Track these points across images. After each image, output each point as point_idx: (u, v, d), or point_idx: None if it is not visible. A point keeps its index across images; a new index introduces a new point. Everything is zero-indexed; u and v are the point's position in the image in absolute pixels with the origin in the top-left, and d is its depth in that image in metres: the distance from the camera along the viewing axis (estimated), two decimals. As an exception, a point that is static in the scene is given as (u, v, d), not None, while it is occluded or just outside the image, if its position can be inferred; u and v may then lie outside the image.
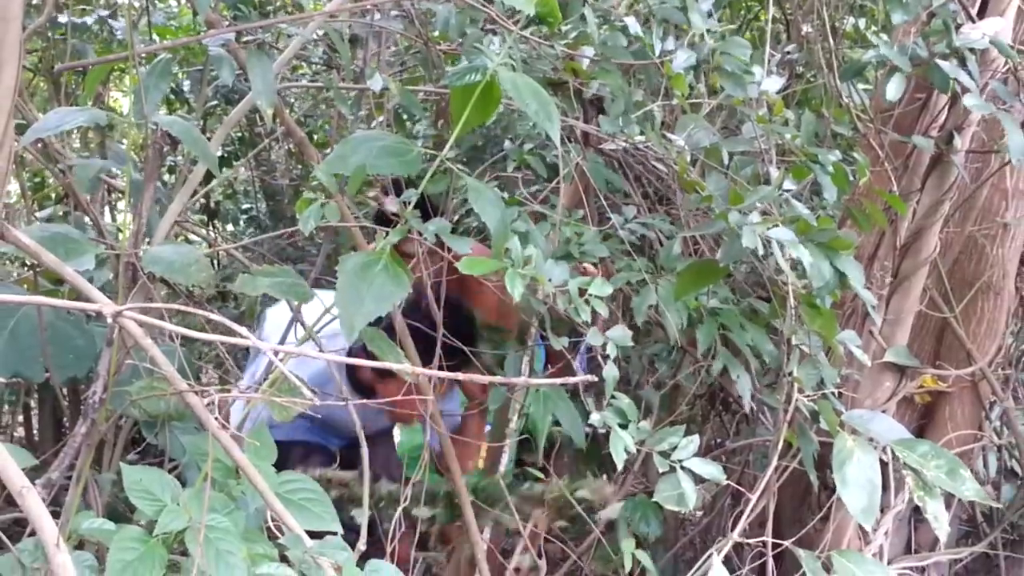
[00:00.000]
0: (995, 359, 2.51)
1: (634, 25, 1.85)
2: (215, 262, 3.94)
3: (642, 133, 1.92)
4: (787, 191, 1.78)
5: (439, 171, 1.48)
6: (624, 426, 1.68)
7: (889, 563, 2.25)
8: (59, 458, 1.46)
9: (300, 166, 4.60)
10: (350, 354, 2.20)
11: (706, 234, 2.10)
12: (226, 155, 4.42)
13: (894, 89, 2.04)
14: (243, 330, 1.08)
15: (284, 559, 1.27)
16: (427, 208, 1.60)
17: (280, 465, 1.46)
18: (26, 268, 2.92)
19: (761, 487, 1.78)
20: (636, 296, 1.86)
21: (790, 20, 3.24)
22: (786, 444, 1.83)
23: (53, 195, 3.96)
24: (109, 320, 1.17)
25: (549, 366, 2.37)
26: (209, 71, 1.93)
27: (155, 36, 3.70)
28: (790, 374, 1.78)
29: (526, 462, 2.34)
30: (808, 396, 1.76)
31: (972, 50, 2.05)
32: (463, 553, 2.11)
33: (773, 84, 1.87)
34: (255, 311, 3.19)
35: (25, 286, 2.62)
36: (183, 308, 1.27)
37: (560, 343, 1.78)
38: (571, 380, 1.23)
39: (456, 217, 2.90)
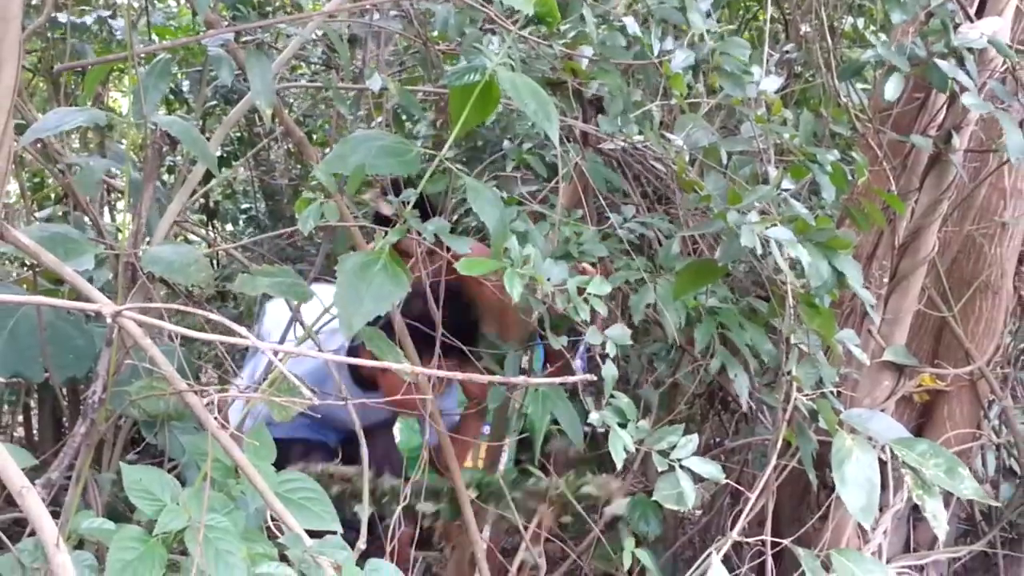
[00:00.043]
0: (993, 358, 2.51)
1: (632, 25, 1.85)
2: (214, 262, 3.94)
3: (641, 133, 1.92)
4: (785, 190, 1.78)
5: (438, 171, 1.48)
6: (623, 425, 1.69)
7: (888, 562, 2.25)
8: (59, 458, 1.47)
9: (299, 166, 4.59)
10: (351, 348, 2.21)
11: (705, 233, 2.11)
12: (225, 155, 4.42)
13: (892, 88, 2.04)
14: (242, 330, 1.08)
15: (284, 558, 1.27)
16: (426, 208, 1.60)
17: (280, 463, 1.47)
18: (26, 268, 2.92)
19: (760, 486, 1.78)
20: (635, 295, 1.86)
21: (789, 20, 3.24)
22: (785, 443, 1.83)
23: (53, 195, 3.95)
24: (108, 320, 1.18)
25: (548, 365, 2.38)
26: (208, 71, 1.93)
27: (154, 36, 3.71)
28: (789, 373, 1.78)
29: (523, 461, 2.34)
30: (807, 395, 1.76)
31: (970, 50, 2.06)
32: (463, 552, 2.11)
33: (771, 84, 1.88)
34: (254, 311, 3.19)
35: (25, 286, 2.62)
36: (182, 308, 1.28)
37: (559, 342, 1.78)
38: (570, 379, 1.23)
39: (455, 217, 2.90)
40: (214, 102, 3.90)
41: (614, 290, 1.79)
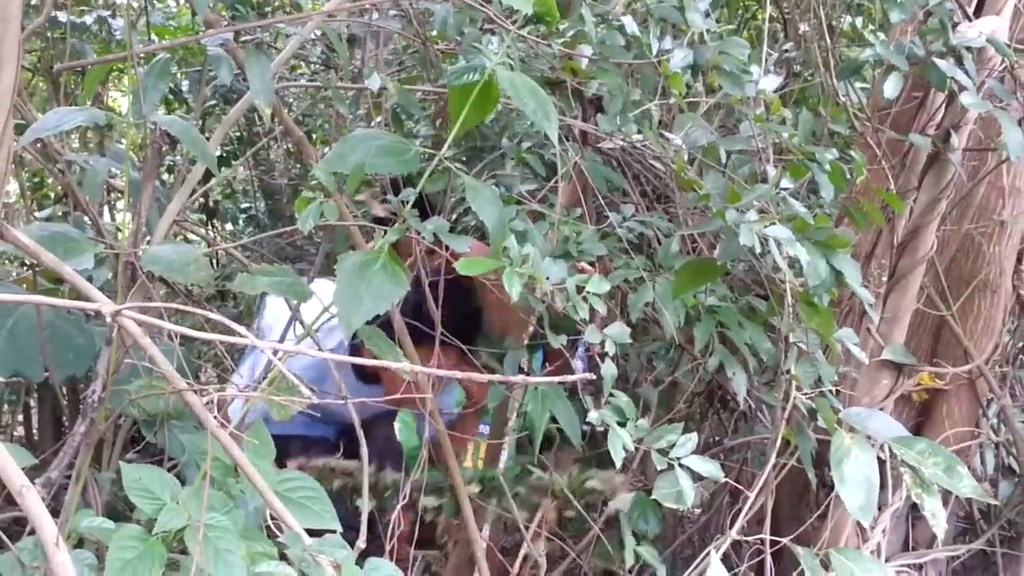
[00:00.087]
0: (992, 356, 2.51)
1: (631, 24, 1.85)
2: (214, 261, 3.94)
3: (640, 132, 1.92)
4: (784, 189, 1.79)
5: (437, 170, 1.48)
6: (622, 424, 1.69)
7: (887, 560, 2.25)
8: (58, 457, 1.47)
9: (299, 165, 4.59)
10: (352, 343, 2.21)
11: (704, 232, 2.11)
12: (225, 154, 4.41)
13: (891, 87, 2.04)
14: (242, 329, 1.09)
15: (283, 557, 1.27)
16: (425, 207, 1.61)
17: (279, 459, 1.47)
18: (25, 267, 2.92)
19: (759, 485, 1.79)
20: (634, 294, 1.86)
21: (787, 19, 3.24)
22: (784, 442, 1.83)
23: (52, 195, 3.95)
24: (108, 319, 1.18)
25: (547, 364, 2.38)
26: (207, 71, 1.93)
27: (154, 36, 3.70)
28: (788, 372, 1.78)
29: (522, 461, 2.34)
30: (806, 394, 1.76)
31: (969, 48, 2.06)
32: (462, 551, 2.11)
33: (770, 83, 1.88)
34: (253, 310, 3.19)
35: (24, 285, 2.62)
36: (182, 307, 1.28)
37: (558, 341, 1.79)
38: (569, 378, 1.23)
39: (454, 216, 2.91)
40: (213, 102, 3.90)
41: (613, 289, 1.79)
